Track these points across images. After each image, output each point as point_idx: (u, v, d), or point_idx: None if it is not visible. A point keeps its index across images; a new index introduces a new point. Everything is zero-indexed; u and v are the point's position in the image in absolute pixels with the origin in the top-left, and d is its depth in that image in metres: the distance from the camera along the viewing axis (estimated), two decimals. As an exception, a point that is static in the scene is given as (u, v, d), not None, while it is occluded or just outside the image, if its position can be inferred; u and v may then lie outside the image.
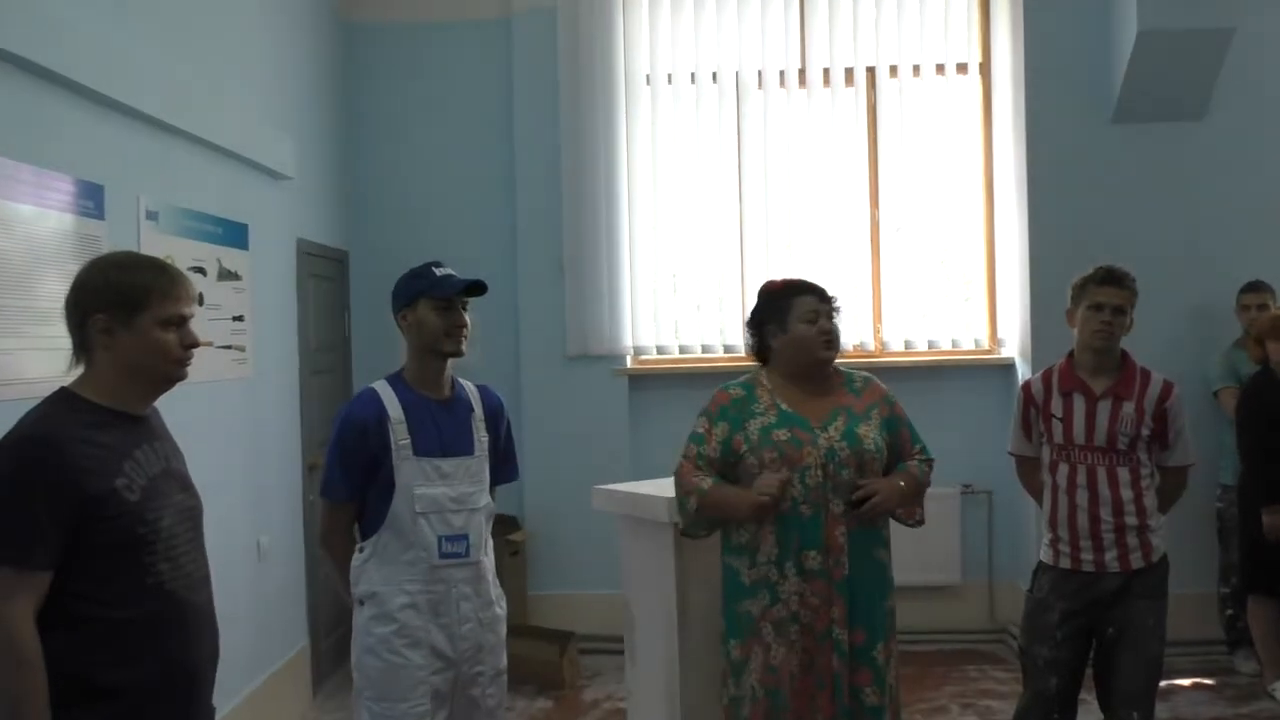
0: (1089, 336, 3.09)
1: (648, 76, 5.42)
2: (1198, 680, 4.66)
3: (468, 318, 2.57)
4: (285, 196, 4.56)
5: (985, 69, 5.42)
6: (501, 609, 2.65)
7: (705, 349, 5.43)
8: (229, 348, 3.91)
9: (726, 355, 5.39)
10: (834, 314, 2.78)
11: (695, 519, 2.74)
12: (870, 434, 2.73)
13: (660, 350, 5.43)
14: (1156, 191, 5.02)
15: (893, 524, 2.79)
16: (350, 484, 2.53)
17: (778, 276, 2.96)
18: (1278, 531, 4.16)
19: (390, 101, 5.48)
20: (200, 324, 3.58)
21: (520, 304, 5.35)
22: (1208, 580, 4.83)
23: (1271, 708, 4.32)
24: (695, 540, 2.92)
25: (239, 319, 3.99)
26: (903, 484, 2.74)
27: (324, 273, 5.08)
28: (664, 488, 3.37)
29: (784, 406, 2.74)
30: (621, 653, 3.61)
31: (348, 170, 5.40)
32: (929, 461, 2.87)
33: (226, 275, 3.91)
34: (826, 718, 2.65)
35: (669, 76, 5.44)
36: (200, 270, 3.67)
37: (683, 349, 5.45)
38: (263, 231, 4.26)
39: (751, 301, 5.17)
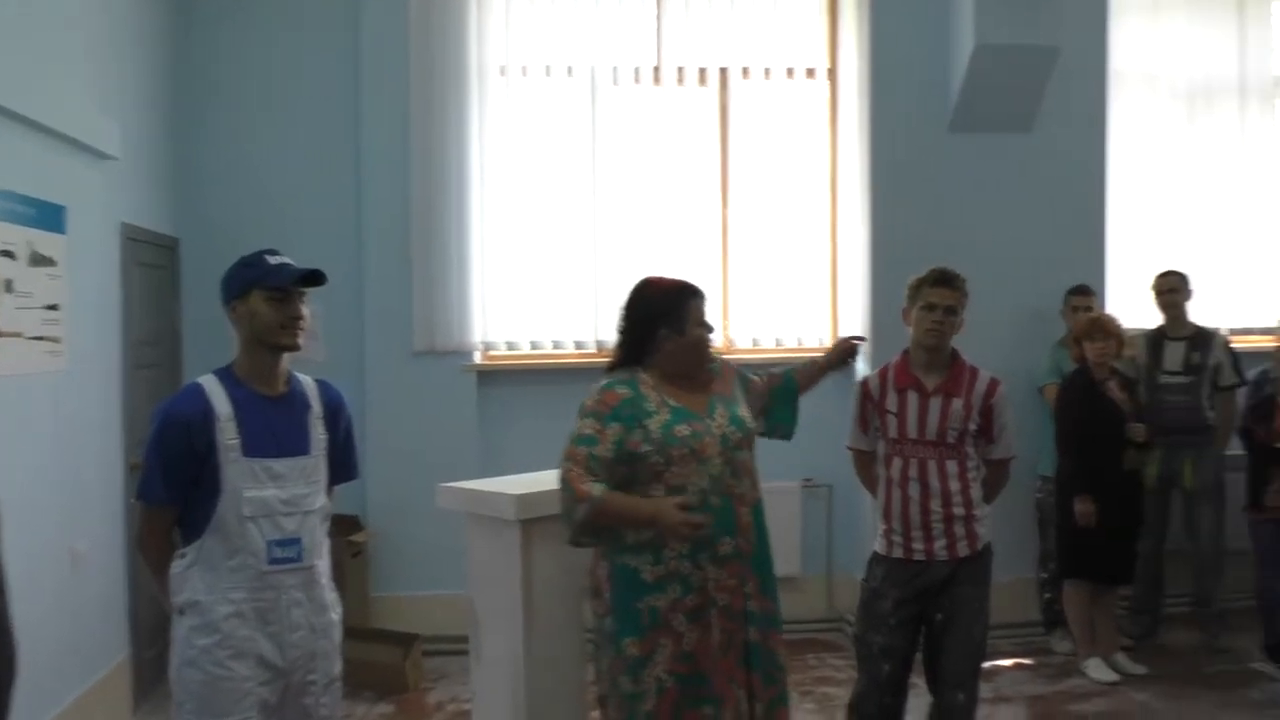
0: (921, 335, 3.23)
1: (502, 68, 5.33)
2: (1018, 660, 4.92)
3: (305, 310, 2.44)
4: (109, 178, 4.26)
5: (832, 74, 5.57)
6: (337, 614, 2.54)
7: (557, 345, 5.38)
8: (41, 339, 3.63)
9: (578, 352, 5.36)
10: None
11: (583, 527, 2.67)
12: (747, 414, 2.89)
13: (511, 346, 5.35)
14: (990, 198, 5.26)
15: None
16: (170, 486, 2.35)
17: (655, 275, 2.94)
18: (1088, 518, 4.45)
19: (229, 82, 5.21)
20: (7, 312, 3.34)
21: (365, 297, 5.17)
22: (1027, 566, 5.10)
23: (1084, 684, 4.60)
24: (543, 539, 2.89)
25: (53, 308, 3.71)
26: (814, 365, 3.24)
27: (152, 260, 4.79)
28: (511, 484, 3.33)
29: (673, 403, 2.77)
30: (467, 653, 3.54)
31: (181, 153, 5.10)
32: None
33: (39, 260, 3.63)
34: (744, 688, 2.75)
35: (524, 69, 5.36)
36: (8, 254, 3.40)
37: (534, 345, 5.38)
38: (82, 214, 3.97)
39: (604, 298, 5.30)
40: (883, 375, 3.32)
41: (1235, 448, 5.03)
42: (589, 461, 2.67)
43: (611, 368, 2.88)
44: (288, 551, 2.38)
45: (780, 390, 3.13)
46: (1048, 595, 5.10)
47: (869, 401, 3.34)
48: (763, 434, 3.07)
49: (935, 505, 3.19)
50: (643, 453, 2.69)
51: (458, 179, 5.20)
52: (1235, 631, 5.05)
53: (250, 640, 2.34)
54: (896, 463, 3.25)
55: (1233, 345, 5.16)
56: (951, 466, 3.20)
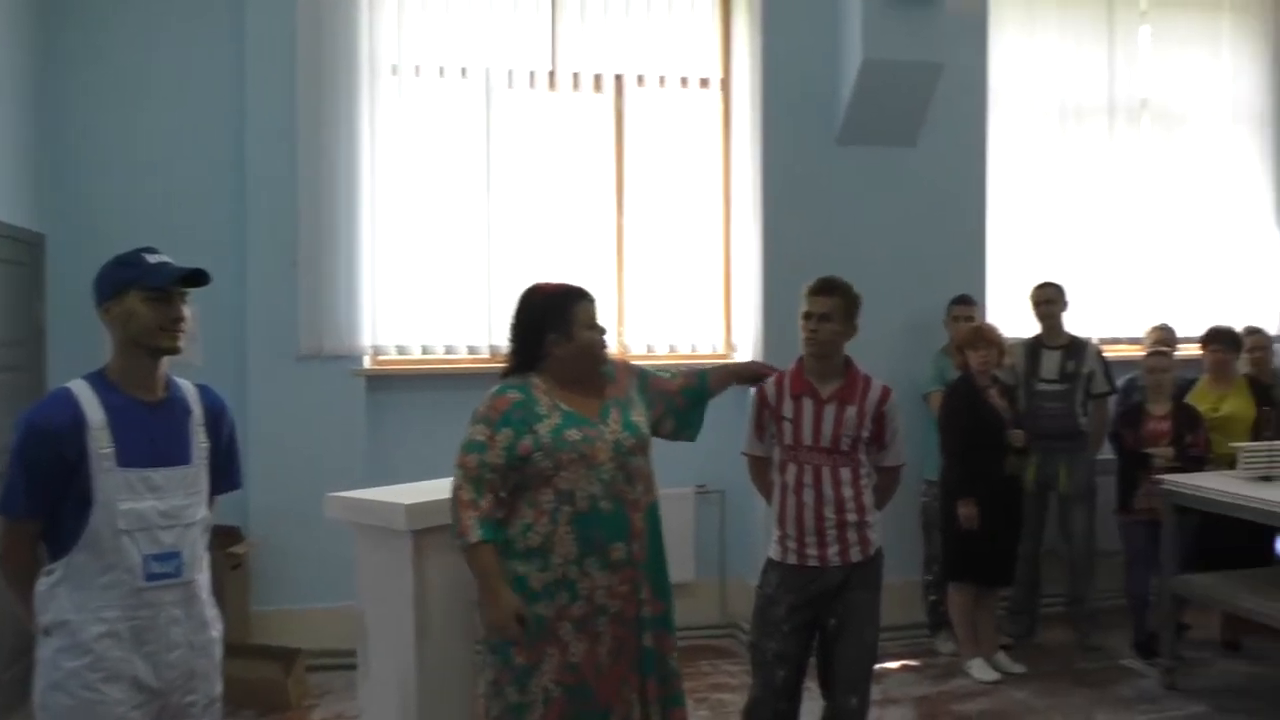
0: (802, 343, 3.28)
1: (394, 66, 5.21)
2: (904, 662, 5.03)
3: (187, 311, 2.31)
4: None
5: (725, 84, 5.62)
6: (218, 631, 2.41)
7: (449, 350, 5.28)
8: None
9: (472, 357, 5.27)
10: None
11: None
12: (642, 419, 2.88)
13: (401, 351, 5.22)
14: (877, 210, 5.38)
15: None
16: (34, 497, 2.19)
17: (544, 280, 2.95)
18: (972, 521, 4.59)
19: (105, 79, 4.94)
20: None
21: (248, 298, 4.97)
22: (912, 569, 5.21)
23: (968, 683, 4.74)
24: (435, 549, 2.84)
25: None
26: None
27: (12, 257, 4.51)
28: (401, 494, 3.25)
29: (565, 407, 2.76)
30: (352, 668, 3.44)
31: (47, 145, 4.81)
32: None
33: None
34: (637, 693, 2.74)
35: (417, 68, 5.25)
36: None
37: (425, 349, 5.27)
38: (-66, 208, 3.72)
39: (497, 302, 5.23)
40: (779, 382, 3.34)
41: (1107, 452, 5.27)
42: (480, 470, 2.67)
43: (506, 373, 2.88)
44: (166, 566, 2.24)
45: (693, 392, 3.12)
46: (932, 598, 5.23)
47: (765, 408, 3.36)
48: (667, 436, 3.07)
49: (829, 512, 3.23)
50: (533, 457, 2.67)
51: (347, 179, 5.05)
52: (1107, 629, 5.29)
53: (125, 661, 2.20)
54: (791, 469, 3.28)
55: (1104, 354, 5.39)
56: (845, 473, 3.25)
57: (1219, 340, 5.15)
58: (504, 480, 2.70)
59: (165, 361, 2.34)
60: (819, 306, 3.24)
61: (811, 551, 3.24)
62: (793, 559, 3.27)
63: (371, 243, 5.12)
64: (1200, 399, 5.12)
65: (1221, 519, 4.47)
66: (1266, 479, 4.32)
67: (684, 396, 3.10)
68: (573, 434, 2.71)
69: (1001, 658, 4.88)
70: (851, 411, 3.24)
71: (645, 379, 3.04)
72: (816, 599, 3.26)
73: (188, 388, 2.42)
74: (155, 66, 5.00)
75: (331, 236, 5.02)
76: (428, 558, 3.09)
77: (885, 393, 3.31)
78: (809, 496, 3.24)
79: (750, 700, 3.38)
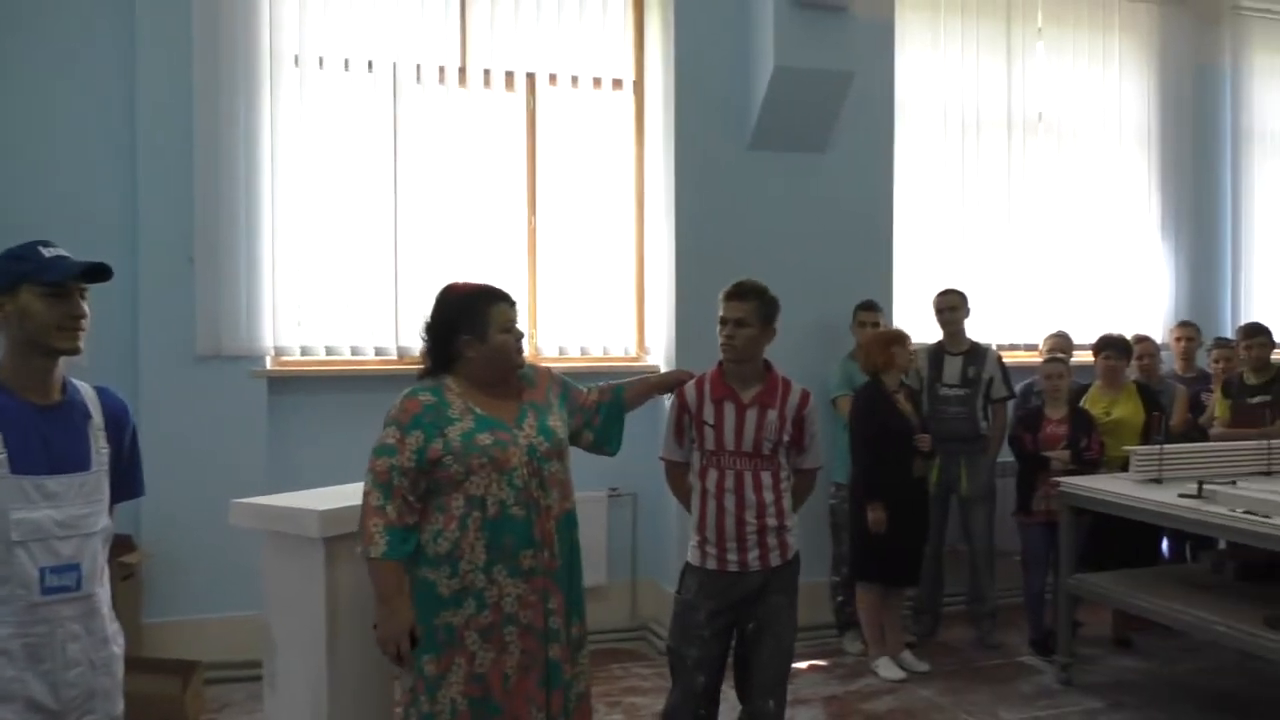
0: (720, 348, 3.25)
1: (296, 57, 5.03)
2: (813, 662, 5.08)
3: (85, 308, 2.18)
4: None
5: (639, 86, 5.61)
6: (119, 647, 2.28)
7: (356, 351, 5.12)
8: None
9: (379, 359, 5.14)
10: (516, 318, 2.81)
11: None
12: (559, 424, 2.83)
13: (305, 352, 5.05)
14: (787, 215, 5.43)
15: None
16: None
17: (460, 279, 2.89)
18: (880, 525, 4.66)
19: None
20: None
21: (140, 295, 4.74)
22: (821, 570, 5.28)
23: (875, 682, 4.82)
24: (349, 557, 2.76)
25: None
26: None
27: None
28: (313, 499, 3.14)
29: (478, 410, 2.70)
30: (253, 679, 3.31)
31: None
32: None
33: None
34: (542, 709, 2.68)
35: (320, 60, 5.09)
36: None
37: (329, 350, 5.11)
38: None
39: (405, 303, 5.10)
40: (699, 386, 3.30)
41: (1006, 455, 5.43)
42: (390, 475, 2.62)
43: (422, 375, 2.82)
44: (64, 579, 2.11)
45: (611, 406, 3.10)
46: (840, 598, 5.31)
47: (685, 413, 3.31)
48: (587, 448, 3.05)
49: (750, 517, 3.21)
50: (443, 461, 2.62)
51: (247, 173, 4.86)
52: (1006, 628, 5.45)
53: (18, 681, 2.06)
54: (712, 474, 3.25)
55: (1003, 360, 5.55)
56: (766, 478, 3.23)
57: (1110, 347, 5.35)
58: (415, 485, 2.64)
59: (62, 362, 2.19)
60: (734, 312, 3.21)
61: (732, 556, 3.22)
62: (712, 564, 3.25)
63: (273, 240, 4.95)
64: (1092, 404, 5.32)
65: (1112, 520, 4.65)
66: (1157, 481, 4.51)
67: (600, 412, 3.07)
68: (484, 438, 2.65)
69: (907, 656, 4.98)
70: (772, 415, 3.23)
71: (566, 388, 3.01)
72: (736, 604, 3.25)
73: (86, 390, 2.28)
74: (39, 52, 4.72)
75: (231, 232, 4.83)
76: (341, 565, 2.98)
77: (805, 396, 3.31)
78: (730, 502, 3.22)
79: (669, 706, 3.35)
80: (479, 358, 2.73)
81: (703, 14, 5.29)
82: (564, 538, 2.78)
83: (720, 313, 3.25)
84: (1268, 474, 4.69)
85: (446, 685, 2.64)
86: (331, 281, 5.11)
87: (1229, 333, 6.35)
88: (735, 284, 3.27)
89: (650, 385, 3.29)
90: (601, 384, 3.16)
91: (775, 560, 3.25)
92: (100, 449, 2.23)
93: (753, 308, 3.21)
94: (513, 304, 2.83)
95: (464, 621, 2.64)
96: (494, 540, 2.65)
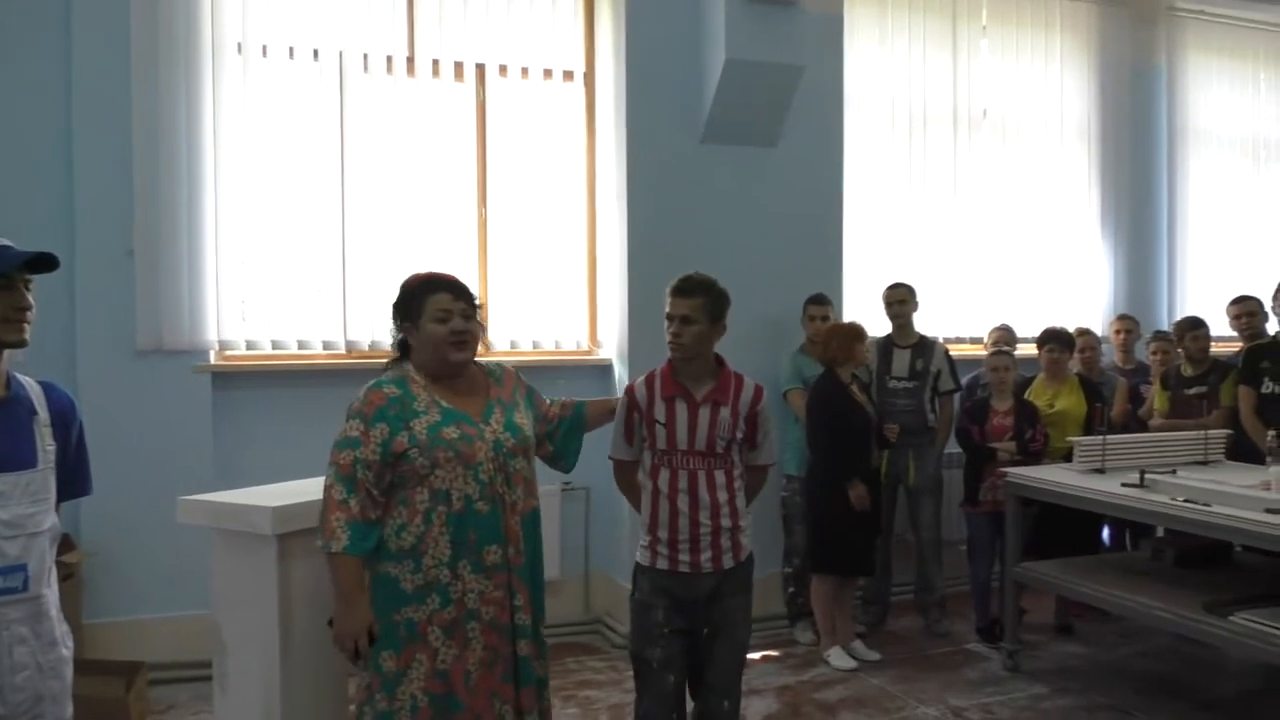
0: (668, 345, 3.15)
1: (239, 45, 4.91)
2: (765, 653, 5.11)
3: (30, 299, 2.11)
4: None
5: (590, 79, 5.58)
6: (68, 649, 2.22)
7: (303, 346, 5.03)
8: None
9: (327, 353, 5.05)
10: (470, 313, 2.71)
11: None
12: (525, 421, 2.81)
13: (251, 346, 4.95)
14: (738, 209, 5.44)
15: None
16: None
17: (420, 270, 2.82)
18: (863, 500, 4.70)
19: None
20: None
21: (77, 287, 4.60)
22: (773, 562, 5.31)
23: (827, 672, 4.86)
24: (303, 554, 2.71)
25: None
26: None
27: None
28: (264, 496, 3.07)
29: (444, 403, 2.66)
30: (200, 679, 3.24)
31: None
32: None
33: None
34: (511, 703, 2.67)
35: (264, 48, 4.97)
36: None
37: (276, 344, 5.01)
38: None
39: (353, 297, 5.03)
40: (649, 384, 3.19)
41: (953, 447, 5.51)
42: (354, 468, 2.57)
43: (388, 366, 2.78)
44: (10, 581, 2.05)
45: (572, 422, 3.06)
46: (791, 589, 5.35)
47: (636, 411, 3.19)
48: (543, 459, 3.02)
49: (704, 518, 3.12)
50: (407, 454, 2.58)
51: (189, 162, 4.75)
52: (953, 616, 5.54)
53: (-38, 687, 1.99)
54: (664, 474, 3.14)
55: (950, 353, 5.63)
56: (720, 477, 3.14)
57: (1053, 340, 5.45)
58: (379, 479, 2.59)
59: (6, 356, 2.13)
60: (680, 308, 3.10)
61: (684, 557, 3.12)
62: (664, 564, 3.15)
63: (216, 231, 4.84)
64: (1036, 396, 5.42)
65: (1055, 509, 4.74)
66: (1100, 471, 4.61)
67: (561, 426, 3.04)
68: (450, 432, 2.62)
69: (858, 646, 5.03)
70: (725, 413, 3.13)
71: (532, 394, 2.98)
72: (691, 605, 3.15)
73: (31, 385, 2.21)
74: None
75: (172, 224, 4.71)
76: (293, 563, 2.93)
77: (758, 392, 3.22)
78: (684, 503, 3.12)
79: (641, 714, 3.21)
80: (417, 346, 2.71)
81: (654, 6, 5.28)
82: (528, 535, 2.75)
83: (667, 309, 3.13)
84: (1205, 463, 4.83)
85: (407, 681, 2.60)
86: (277, 274, 5.02)
87: (1166, 325, 6.52)
88: (682, 279, 3.15)
89: (610, 409, 3.20)
90: (563, 399, 3.11)
91: (728, 562, 3.15)
92: (47, 446, 2.17)
93: (699, 304, 3.10)
94: (458, 294, 2.71)
95: (427, 617, 2.61)
96: (458, 535, 2.61)
